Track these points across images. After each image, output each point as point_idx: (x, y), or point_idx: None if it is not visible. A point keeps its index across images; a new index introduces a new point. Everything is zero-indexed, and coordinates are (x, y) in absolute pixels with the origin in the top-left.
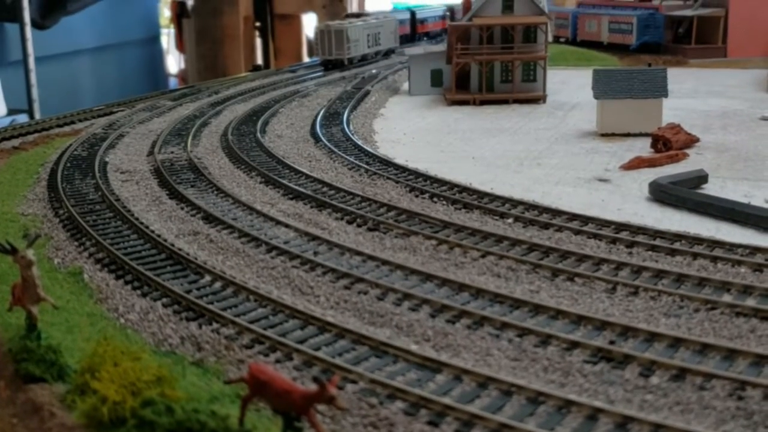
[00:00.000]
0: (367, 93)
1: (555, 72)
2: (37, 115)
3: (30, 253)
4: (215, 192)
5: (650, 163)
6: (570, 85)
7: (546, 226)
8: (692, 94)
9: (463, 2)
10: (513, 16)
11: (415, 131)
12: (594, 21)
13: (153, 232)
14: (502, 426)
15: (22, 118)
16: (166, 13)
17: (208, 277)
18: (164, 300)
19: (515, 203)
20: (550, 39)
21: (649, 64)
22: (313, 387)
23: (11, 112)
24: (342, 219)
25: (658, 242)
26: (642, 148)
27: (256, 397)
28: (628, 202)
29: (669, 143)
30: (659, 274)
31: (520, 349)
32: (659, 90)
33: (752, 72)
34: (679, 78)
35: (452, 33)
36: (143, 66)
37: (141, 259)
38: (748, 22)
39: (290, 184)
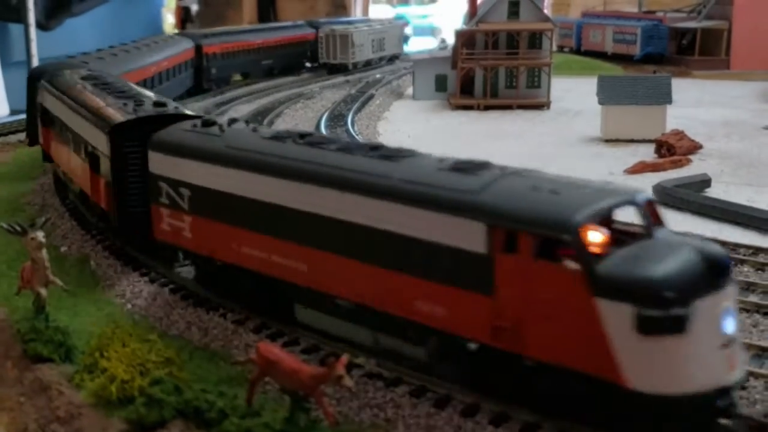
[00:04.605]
0: (371, 96)
1: (559, 80)
2: None
3: (40, 235)
4: None
5: (654, 168)
6: (574, 92)
7: None
8: (696, 104)
9: (469, 7)
10: (518, 22)
11: (420, 134)
12: (598, 31)
13: None
14: None
15: None
16: (170, 19)
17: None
18: (171, 286)
19: None
20: (554, 47)
21: (654, 71)
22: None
23: (13, 112)
24: None
25: None
26: (646, 153)
27: (265, 377)
28: None
29: (673, 149)
30: None
31: None
32: (663, 97)
33: (755, 84)
34: (683, 88)
35: (458, 38)
36: None
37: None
38: (751, 35)
39: None
